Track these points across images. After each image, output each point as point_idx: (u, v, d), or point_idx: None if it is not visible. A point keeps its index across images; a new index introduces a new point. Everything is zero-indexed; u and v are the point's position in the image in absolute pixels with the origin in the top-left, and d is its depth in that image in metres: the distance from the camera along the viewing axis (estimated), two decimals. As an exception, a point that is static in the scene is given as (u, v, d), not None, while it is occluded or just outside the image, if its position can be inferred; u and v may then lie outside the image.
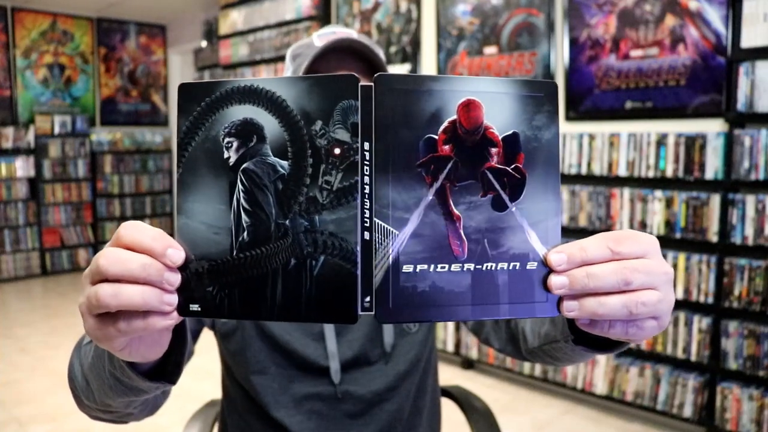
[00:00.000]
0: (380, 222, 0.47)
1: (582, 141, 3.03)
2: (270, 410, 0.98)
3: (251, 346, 0.98)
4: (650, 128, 2.85)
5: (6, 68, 6.01)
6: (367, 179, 0.47)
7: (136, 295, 0.45)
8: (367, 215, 0.47)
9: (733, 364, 2.60)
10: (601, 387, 3.00)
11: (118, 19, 6.78)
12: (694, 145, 2.67)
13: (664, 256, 2.73)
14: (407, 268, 0.47)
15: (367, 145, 0.47)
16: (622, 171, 2.89)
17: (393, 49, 3.98)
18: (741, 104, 2.53)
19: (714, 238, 2.62)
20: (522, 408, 3.13)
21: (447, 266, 0.47)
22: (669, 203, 2.75)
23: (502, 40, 3.40)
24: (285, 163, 0.48)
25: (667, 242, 2.77)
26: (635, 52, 2.88)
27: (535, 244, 0.48)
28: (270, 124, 0.49)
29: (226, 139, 0.49)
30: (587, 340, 0.61)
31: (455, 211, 0.48)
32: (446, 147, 0.48)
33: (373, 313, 0.47)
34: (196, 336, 0.98)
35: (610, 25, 2.95)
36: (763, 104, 2.48)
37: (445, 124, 0.47)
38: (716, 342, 2.64)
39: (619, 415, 3.01)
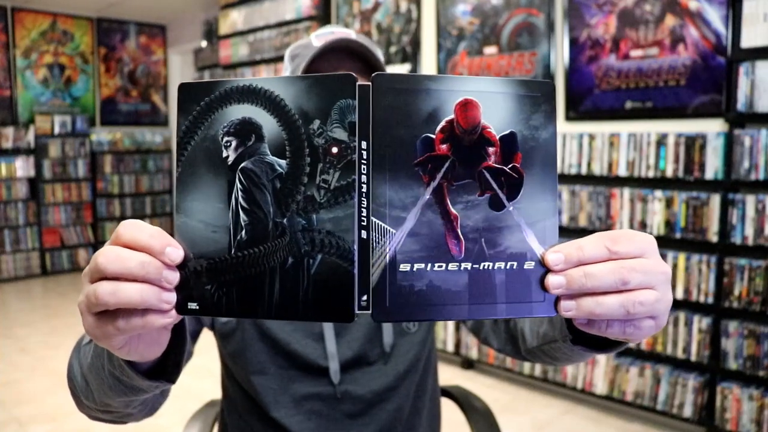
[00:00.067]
0: (377, 221, 0.47)
1: (582, 141, 3.03)
2: (270, 410, 0.98)
3: (251, 347, 0.98)
4: (650, 128, 2.85)
5: (6, 68, 6.02)
6: (364, 178, 0.47)
7: (134, 293, 0.46)
8: (364, 214, 0.47)
9: (733, 364, 2.60)
10: (601, 387, 3.00)
11: (118, 19, 6.78)
12: (694, 145, 2.67)
13: (664, 256, 2.74)
14: (404, 267, 0.47)
15: (364, 144, 0.47)
16: (622, 171, 2.89)
17: (393, 49, 3.98)
18: (741, 104, 2.53)
19: (714, 238, 2.63)
20: (522, 408, 3.13)
21: (444, 265, 0.47)
22: (669, 203, 2.75)
23: (502, 40, 3.40)
24: (283, 162, 0.49)
25: (667, 242, 2.77)
26: (635, 52, 2.88)
27: (532, 243, 0.48)
28: (268, 123, 0.49)
29: (225, 138, 0.49)
30: (585, 339, 0.61)
31: (452, 210, 0.48)
32: (443, 146, 0.48)
33: (369, 311, 0.47)
34: (195, 336, 0.98)
35: (610, 25, 2.95)
36: (763, 104, 2.48)
37: (443, 123, 0.48)
38: (716, 342, 2.64)
39: (619, 415, 3.01)
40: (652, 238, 0.49)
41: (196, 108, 0.50)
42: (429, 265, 0.47)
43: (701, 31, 2.67)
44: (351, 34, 1.02)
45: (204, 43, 6.12)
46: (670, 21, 2.76)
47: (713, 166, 2.62)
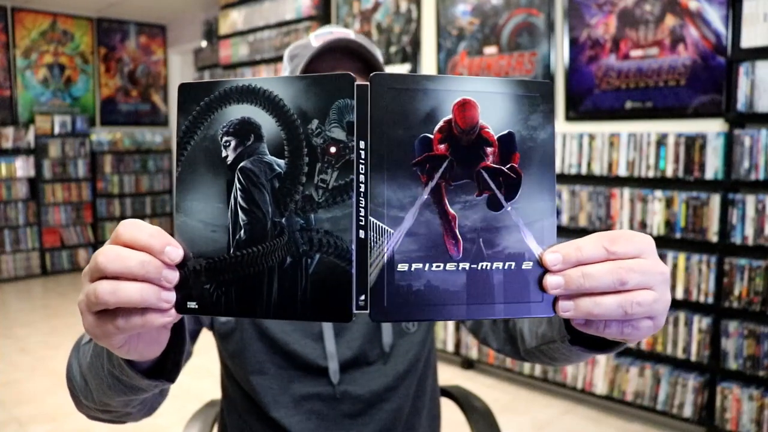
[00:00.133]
0: (375, 220, 0.47)
1: (582, 141, 3.03)
2: (269, 410, 0.98)
3: (250, 347, 0.99)
4: (650, 128, 2.85)
5: (6, 68, 6.02)
6: (362, 178, 0.47)
7: (134, 292, 0.46)
8: (362, 214, 0.47)
9: (733, 364, 2.60)
10: (601, 387, 3.00)
11: (118, 19, 6.78)
12: (694, 145, 2.67)
13: (664, 256, 2.74)
14: (402, 267, 0.47)
15: (362, 144, 0.47)
16: (622, 171, 2.89)
17: (393, 49, 3.98)
18: (741, 104, 2.53)
19: (714, 238, 2.62)
20: (522, 408, 3.13)
21: (442, 265, 0.47)
22: (669, 203, 2.75)
23: (502, 40, 3.40)
24: (282, 162, 0.49)
25: (667, 242, 2.77)
26: (635, 52, 2.88)
27: (530, 243, 0.48)
28: (267, 123, 0.49)
29: (224, 138, 0.50)
30: (583, 340, 0.61)
31: (450, 210, 0.48)
32: (442, 146, 0.48)
33: (367, 311, 0.47)
34: (194, 336, 0.98)
35: (610, 25, 2.95)
36: (763, 104, 2.48)
37: (441, 123, 0.48)
38: (716, 342, 2.64)
39: (619, 415, 3.01)
40: (650, 239, 0.49)
41: (196, 108, 0.50)
42: (427, 265, 0.47)
43: (701, 31, 2.67)
44: (350, 34, 1.02)
45: (204, 43, 6.12)
46: (670, 21, 2.76)
47: (713, 166, 2.62)
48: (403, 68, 3.92)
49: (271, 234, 0.48)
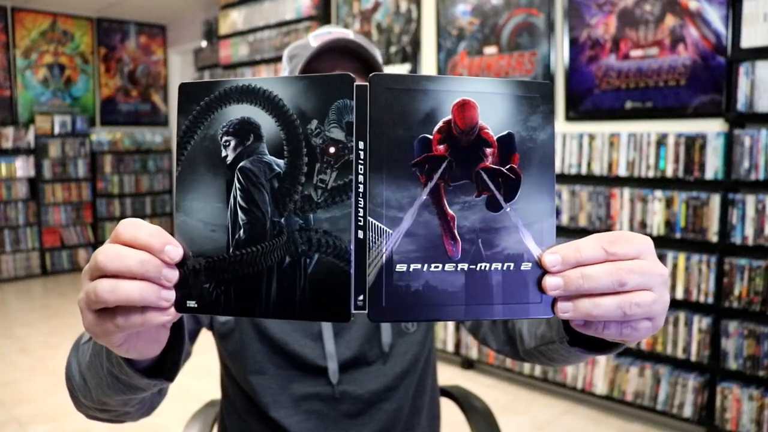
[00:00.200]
0: (374, 221, 0.47)
1: (582, 141, 3.03)
2: (269, 410, 0.98)
3: (250, 347, 0.99)
4: (650, 128, 2.85)
5: (6, 68, 6.02)
6: (361, 178, 0.47)
7: (134, 290, 0.46)
8: (361, 214, 0.47)
9: (733, 364, 2.60)
10: (601, 387, 3.00)
11: (118, 19, 6.78)
12: (694, 145, 2.67)
13: (664, 257, 2.74)
14: (401, 267, 0.47)
15: (361, 144, 0.47)
16: (622, 171, 2.89)
17: (393, 49, 3.98)
18: (741, 104, 2.53)
19: (714, 238, 2.62)
20: (522, 408, 3.13)
21: (441, 266, 0.47)
22: (669, 203, 2.75)
23: (502, 40, 3.40)
24: (281, 162, 0.49)
25: (667, 242, 2.77)
26: (635, 52, 2.88)
27: (529, 244, 0.48)
28: (267, 123, 0.49)
29: (224, 138, 0.50)
30: (582, 341, 0.61)
31: (449, 210, 0.48)
32: (441, 147, 0.48)
33: (366, 311, 0.47)
34: (193, 336, 0.98)
35: (610, 25, 2.95)
36: (763, 104, 2.48)
37: (440, 123, 0.48)
38: (716, 342, 2.64)
39: (619, 415, 3.01)
40: (649, 240, 0.49)
41: (196, 108, 0.50)
42: (425, 265, 0.47)
43: (701, 31, 2.67)
44: (349, 34, 1.02)
45: (204, 43, 6.12)
46: (670, 21, 2.76)
47: (713, 166, 2.62)
48: (403, 68, 3.92)
49: (270, 234, 0.48)
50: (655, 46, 2.81)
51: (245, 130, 0.49)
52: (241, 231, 0.49)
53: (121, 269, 0.46)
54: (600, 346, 0.59)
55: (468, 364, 3.62)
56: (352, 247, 0.47)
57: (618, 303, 0.46)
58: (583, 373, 3.06)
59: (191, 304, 0.48)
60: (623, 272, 0.46)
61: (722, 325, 2.62)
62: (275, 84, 0.49)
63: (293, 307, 0.48)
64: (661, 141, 2.76)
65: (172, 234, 0.49)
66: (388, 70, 3.91)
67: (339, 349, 0.99)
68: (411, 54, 3.88)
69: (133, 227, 0.48)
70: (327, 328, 0.99)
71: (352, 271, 0.47)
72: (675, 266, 2.73)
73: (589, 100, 3.05)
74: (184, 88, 0.50)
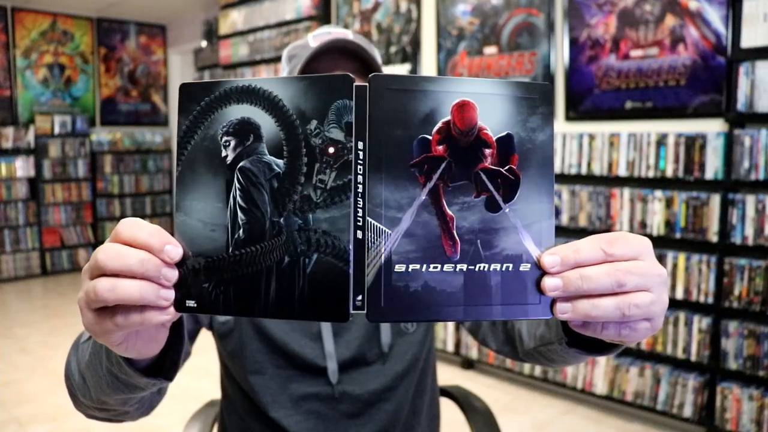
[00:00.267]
0: (373, 221, 0.47)
1: (582, 141, 3.03)
2: (268, 410, 0.98)
3: (249, 347, 0.99)
4: (650, 128, 2.85)
5: (6, 68, 6.02)
6: (360, 178, 0.47)
7: (133, 289, 0.46)
8: (360, 214, 0.47)
9: (733, 364, 2.60)
10: (601, 387, 3.00)
11: (118, 19, 6.78)
12: (694, 145, 2.67)
13: (664, 257, 2.74)
14: (399, 268, 0.47)
15: (360, 145, 0.47)
16: (622, 171, 2.89)
17: (393, 49, 3.98)
18: (741, 104, 2.53)
19: (714, 238, 2.63)
20: (522, 408, 3.13)
21: (439, 266, 0.47)
22: (669, 203, 2.75)
23: (502, 40, 3.40)
24: (280, 162, 0.49)
25: (667, 242, 2.77)
26: (635, 52, 2.88)
27: (528, 245, 0.48)
28: (267, 123, 0.49)
29: (224, 138, 0.50)
30: (581, 342, 0.61)
31: (448, 211, 0.48)
32: (440, 147, 0.48)
33: (364, 311, 0.47)
34: (193, 336, 0.98)
35: (610, 25, 2.95)
36: (763, 104, 2.48)
37: (439, 124, 0.48)
38: (716, 342, 2.64)
39: (619, 415, 3.01)
40: (647, 241, 0.49)
41: (197, 108, 0.50)
42: (424, 265, 0.47)
43: (701, 31, 2.67)
44: (348, 34, 1.02)
45: (204, 43, 6.12)
46: (670, 21, 2.76)
47: (713, 166, 2.62)
48: (403, 68, 3.92)
49: (269, 234, 0.49)
50: (655, 46, 2.81)
51: (245, 130, 0.49)
52: (241, 231, 0.49)
53: (121, 268, 0.46)
54: (599, 347, 0.59)
55: (468, 364, 3.62)
56: (351, 247, 0.47)
57: (617, 304, 0.46)
58: (583, 373, 3.06)
59: (191, 303, 0.48)
60: (622, 273, 0.46)
61: (722, 325, 2.62)
62: (275, 84, 0.49)
63: (292, 306, 0.48)
64: (661, 141, 2.76)
65: (171, 234, 0.49)
66: (388, 70, 3.91)
67: (338, 349, 0.99)
68: (411, 54, 3.88)
69: (133, 226, 0.48)
70: (326, 328, 0.99)
71: (351, 271, 0.47)
72: (675, 266, 2.73)
73: (589, 100, 3.05)
74: (184, 88, 0.51)
